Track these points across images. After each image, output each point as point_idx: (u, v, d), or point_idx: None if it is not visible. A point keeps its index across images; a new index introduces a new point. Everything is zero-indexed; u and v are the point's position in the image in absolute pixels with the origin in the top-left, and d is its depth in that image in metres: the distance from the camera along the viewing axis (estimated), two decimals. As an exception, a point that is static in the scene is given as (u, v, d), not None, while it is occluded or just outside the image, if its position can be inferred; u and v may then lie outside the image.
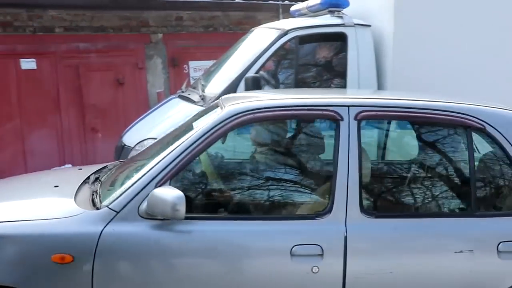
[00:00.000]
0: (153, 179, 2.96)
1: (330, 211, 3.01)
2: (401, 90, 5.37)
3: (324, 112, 3.16)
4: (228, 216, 3.25)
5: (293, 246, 2.93)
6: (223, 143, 3.65)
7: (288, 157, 3.85)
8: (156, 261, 2.93)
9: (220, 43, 8.80)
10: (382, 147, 4.51)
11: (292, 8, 7.12)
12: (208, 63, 7.99)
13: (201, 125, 3.13)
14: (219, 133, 3.07)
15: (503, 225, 3.15)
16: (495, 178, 3.43)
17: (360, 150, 3.09)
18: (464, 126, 3.24)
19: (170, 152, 3.05)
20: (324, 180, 3.41)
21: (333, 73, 5.93)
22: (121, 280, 2.93)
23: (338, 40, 5.92)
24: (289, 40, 5.76)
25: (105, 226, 2.90)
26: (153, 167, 3.02)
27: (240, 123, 3.10)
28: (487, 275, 3.06)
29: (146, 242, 2.92)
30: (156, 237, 2.92)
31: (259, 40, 6.04)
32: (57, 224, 2.94)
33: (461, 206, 3.38)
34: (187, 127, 3.54)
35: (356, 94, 4.19)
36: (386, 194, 3.54)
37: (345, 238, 2.95)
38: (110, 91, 9.04)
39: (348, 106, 3.13)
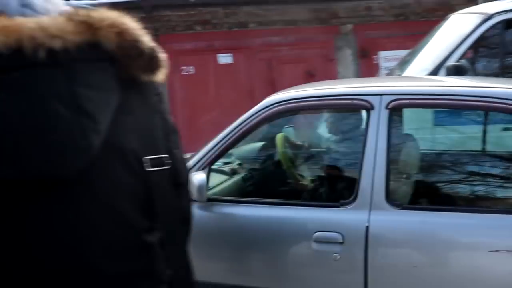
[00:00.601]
0: (196, 164, 3.23)
1: (354, 199, 2.95)
2: None
3: (355, 102, 3.13)
4: (251, 200, 3.35)
5: (315, 232, 2.94)
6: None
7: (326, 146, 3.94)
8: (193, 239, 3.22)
9: (412, 32, 8.53)
10: (431, 137, 4.24)
11: (494, -9, 6.67)
12: (399, 53, 7.80)
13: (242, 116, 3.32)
14: (254, 123, 3.22)
15: None
16: None
17: (390, 139, 2.95)
18: None
19: (213, 140, 3.32)
20: (352, 168, 3.37)
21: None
22: None
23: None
24: (494, 25, 5.38)
25: None
26: (198, 154, 3.30)
27: (275, 113, 3.22)
28: None
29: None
30: (196, 217, 3.15)
31: (459, 27, 5.73)
32: None
33: (503, 201, 3.06)
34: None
35: (396, 81, 4.01)
36: (418, 185, 3.30)
37: (367, 227, 2.86)
38: (301, 83, 9.22)
39: (381, 95, 3.00)
